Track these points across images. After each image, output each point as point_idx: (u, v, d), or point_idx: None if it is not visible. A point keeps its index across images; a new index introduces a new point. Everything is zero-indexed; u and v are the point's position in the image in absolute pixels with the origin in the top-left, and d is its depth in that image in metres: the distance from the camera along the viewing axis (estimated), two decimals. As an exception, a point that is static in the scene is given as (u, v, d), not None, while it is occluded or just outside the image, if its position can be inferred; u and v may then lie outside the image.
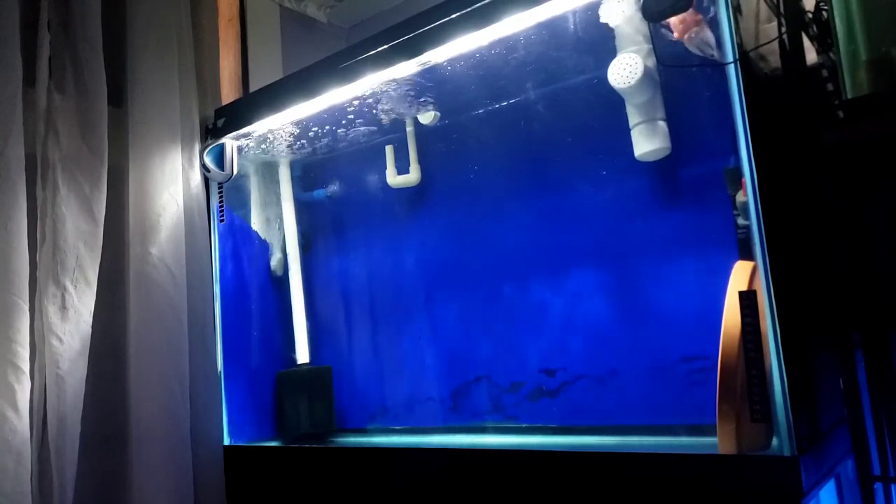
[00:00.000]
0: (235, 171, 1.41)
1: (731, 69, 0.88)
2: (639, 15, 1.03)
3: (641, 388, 1.17)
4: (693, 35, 0.98)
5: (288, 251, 1.55)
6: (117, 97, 1.31)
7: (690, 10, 0.96)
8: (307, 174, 1.63)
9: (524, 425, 1.29)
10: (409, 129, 1.44)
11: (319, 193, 1.60)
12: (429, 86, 1.30)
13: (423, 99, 1.36)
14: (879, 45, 0.93)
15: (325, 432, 1.45)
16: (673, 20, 0.98)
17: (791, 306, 0.86)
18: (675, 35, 1.00)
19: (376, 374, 1.49)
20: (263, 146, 1.49)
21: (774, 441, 0.84)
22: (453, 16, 1.09)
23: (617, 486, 0.90)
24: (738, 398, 0.85)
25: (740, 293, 0.86)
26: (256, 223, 1.56)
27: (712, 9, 0.93)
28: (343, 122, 1.43)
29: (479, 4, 1.06)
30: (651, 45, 1.05)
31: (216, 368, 1.38)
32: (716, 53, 0.95)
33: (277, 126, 1.41)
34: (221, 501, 1.30)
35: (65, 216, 1.17)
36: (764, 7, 1.02)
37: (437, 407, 1.41)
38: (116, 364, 1.26)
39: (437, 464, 1.08)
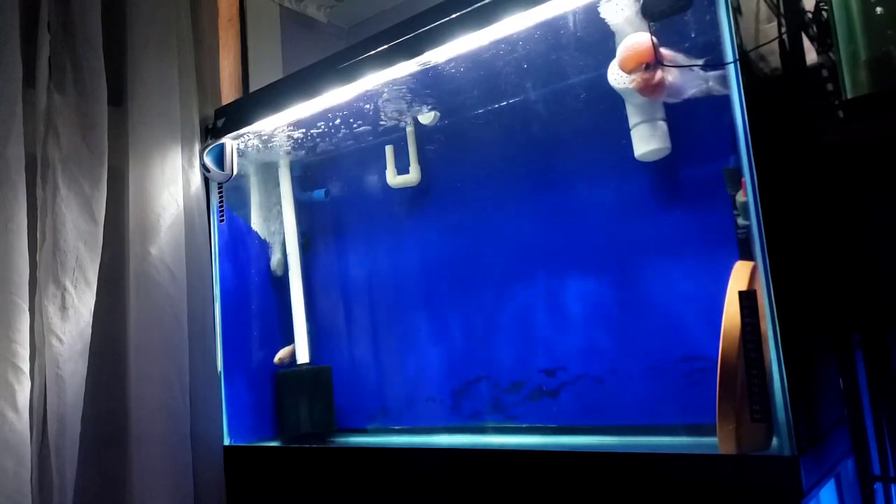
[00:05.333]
0: (235, 171, 1.41)
1: (732, 69, 0.88)
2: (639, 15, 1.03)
3: (641, 388, 1.17)
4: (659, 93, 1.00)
5: (288, 251, 1.55)
6: (117, 97, 1.31)
7: (650, 70, 0.97)
8: (307, 174, 1.63)
9: (524, 425, 1.29)
10: (409, 129, 1.44)
11: (319, 193, 1.60)
12: (429, 86, 1.30)
13: (422, 99, 1.36)
14: (879, 45, 0.92)
15: (325, 432, 1.45)
16: (638, 83, 0.99)
17: (791, 306, 0.86)
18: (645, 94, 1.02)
19: (376, 374, 1.49)
20: (263, 146, 1.49)
21: (774, 441, 0.84)
22: (453, 16, 1.09)
23: (617, 486, 0.90)
24: (738, 398, 0.85)
25: (740, 293, 0.86)
26: (256, 223, 1.56)
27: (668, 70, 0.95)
28: (343, 122, 1.43)
29: (479, 4, 1.06)
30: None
31: (216, 368, 1.38)
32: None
33: (277, 126, 1.41)
34: (221, 501, 1.30)
35: (65, 216, 1.17)
36: (764, 7, 1.02)
37: (437, 407, 1.41)
38: (116, 364, 1.26)
39: (437, 464, 1.08)
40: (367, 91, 1.28)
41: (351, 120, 1.42)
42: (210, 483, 1.30)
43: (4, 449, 1.05)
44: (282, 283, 1.56)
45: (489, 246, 1.37)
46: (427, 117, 1.42)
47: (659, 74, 0.98)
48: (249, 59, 1.64)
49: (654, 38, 0.97)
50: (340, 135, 1.48)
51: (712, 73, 0.97)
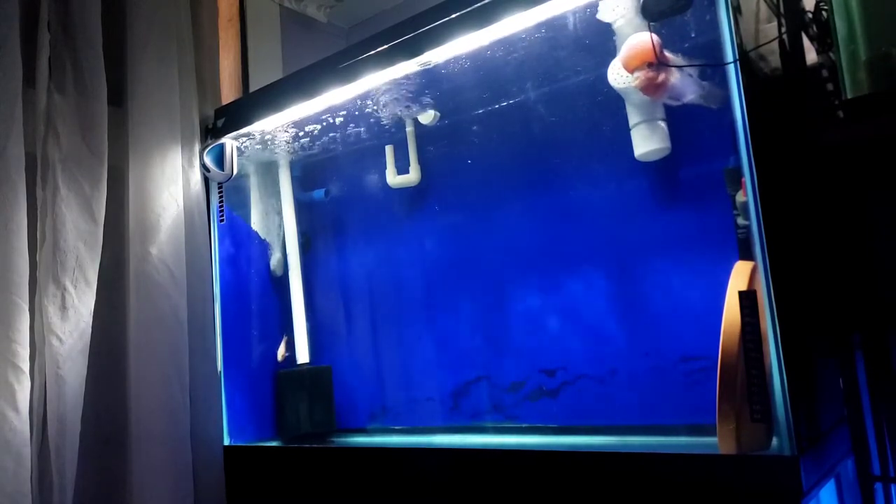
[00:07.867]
0: (235, 171, 1.41)
1: (731, 69, 0.88)
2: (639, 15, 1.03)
3: (641, 388, 1.17)
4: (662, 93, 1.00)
5: (288, 251, 1.55)
6: (117, 97, 1.31)
7: (653, 69, 0.97)
8: (307, 174, 1.63)
9: (524, 425, 1.29)
10: (409, 129, 1.44)
11: (319, 193, 1.60)
12: (429, 86, 1.30)
13: (422, 99, 1.36)
14: (879, 45, 0.92)
15: (325, 432, 1.45)
16: (641, 81, 0.99)
17: (791, 306, 0.86)
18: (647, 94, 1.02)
19: (376, 373, 1.49)
20: (263, 146, 1.49)
21: (774, 441, 0.84)
22: (453, 16, 1.09)
23: (617, 486, 0.90)
24: (738, 398, 0.85)
25: (740, 293, 0.86)
26: (256, 223, 1.56)
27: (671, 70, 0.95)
28: (343, 122, 1.43)
29: (478, 4, 1.06)
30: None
31: (216, 368, 1.38)
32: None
33: (277, 126, 1.41)
34: (221, 501, 1.30)
35: (65, 216, 1.17)
36: (764, 7, 1.02)
37: (437, 407, 1.41)
38: (116, 364, 1.26)
39: (437, 464, 1.08)
40: (367, 91, 1.28)
41: (351, 120, 1.42)
42: (210, 483, 1.30)
43: (4, 449, 1.05)
44: (282, 282, 1.56)
45: (489, 246, 1.37)
46: (427, 117, 1.42)
47: (662, 74, 0.98)
48: (249, 59, 1.65)
49: (654, 37, 0.97)
50: (340, 135, 1.48)
51: (710, 81, 0.98)
